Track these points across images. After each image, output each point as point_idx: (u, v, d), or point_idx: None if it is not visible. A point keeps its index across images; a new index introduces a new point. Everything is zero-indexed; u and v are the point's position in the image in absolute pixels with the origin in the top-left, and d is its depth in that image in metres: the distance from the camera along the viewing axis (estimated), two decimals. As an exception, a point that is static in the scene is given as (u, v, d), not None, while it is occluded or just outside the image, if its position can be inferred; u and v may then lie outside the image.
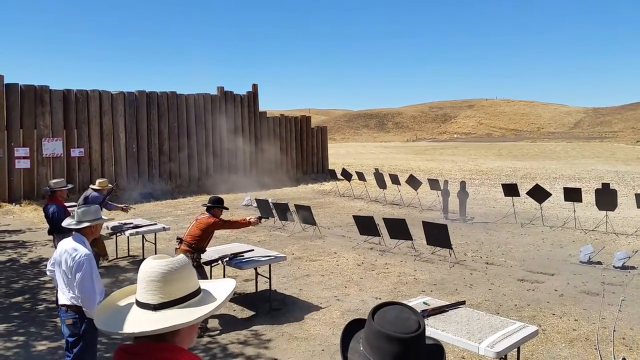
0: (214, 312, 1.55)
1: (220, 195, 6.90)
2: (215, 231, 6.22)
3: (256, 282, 6.65)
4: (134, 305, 1.53)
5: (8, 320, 6.09)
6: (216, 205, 6.16)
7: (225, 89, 21.70)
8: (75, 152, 17.36)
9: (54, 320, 5.96)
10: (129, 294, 1.62)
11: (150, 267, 1.51)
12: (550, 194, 12.88)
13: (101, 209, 8.13)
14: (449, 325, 4.10)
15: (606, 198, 11.39)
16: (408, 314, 1.32)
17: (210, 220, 6.02)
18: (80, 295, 3.75)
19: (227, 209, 6.42)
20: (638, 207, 11.40)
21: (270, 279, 6.68)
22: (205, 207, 6.22)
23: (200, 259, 6.08)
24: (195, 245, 5.94)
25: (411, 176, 16.37)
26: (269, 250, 7.63)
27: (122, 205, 8.84)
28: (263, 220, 6.81)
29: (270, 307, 6.49)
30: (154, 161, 19.20)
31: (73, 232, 3.97)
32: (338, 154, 43.56)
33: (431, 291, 7.02)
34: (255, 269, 6.56)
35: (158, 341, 1.47)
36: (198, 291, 1.57)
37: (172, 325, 1.44)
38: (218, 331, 5.82)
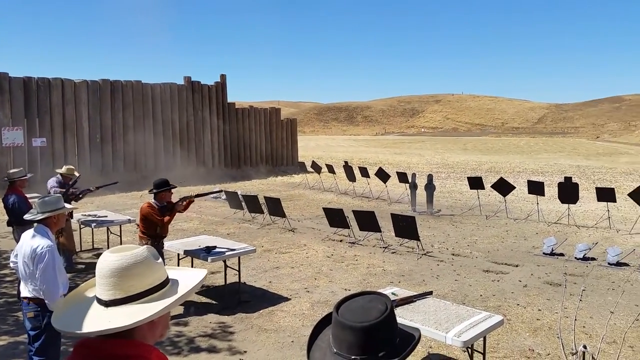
0: (171, 308, 1.44)
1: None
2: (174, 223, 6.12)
3: (225, 275, 6.59)
4: (94, 301, 1.44)
5: (-35, 315, 5.88)
6: (161, 190, 5.84)
7: (192, 79, 21.35)
8: (37, 142, 16.84)
9: (14, 314, 5.78)
10: (92, 287, 1.52)
11: (104, 261, 1.43)
12: (514, 187, 13.18)
13: (70, 202, 7.89)
14: (417, 315, 4.15)
15: (568, 191, 11.70)
16: (375, 303, 1.28)
17: (145, 207, 5.82)
18: (42, 287, 3.65)
19: (175, 187, 6.06)
20: (598, 201, 11.75)
21: (239, 271, 6.63)
22: (152, 194, 5.93)
23: (159, 244, 5.95)
24: (146, 232, 5.86)
25: (380, 169, 16.47)
26: (238, 242, 7.56)
27: (89, 188, 8.49)
28: (197, 198, 6.45)
29: (239, 299, 6.44)
30: (118, 152, 18.78)
31: (35, 224, 3.85)
32: (308, 147, 43.52)
33: (399, 282, 7.10)
34: (224, 261, 6.49)
35: (116, 337, 1.38)
36: (161, 285, 1.46)
37: (119, 326, 1.35)
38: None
